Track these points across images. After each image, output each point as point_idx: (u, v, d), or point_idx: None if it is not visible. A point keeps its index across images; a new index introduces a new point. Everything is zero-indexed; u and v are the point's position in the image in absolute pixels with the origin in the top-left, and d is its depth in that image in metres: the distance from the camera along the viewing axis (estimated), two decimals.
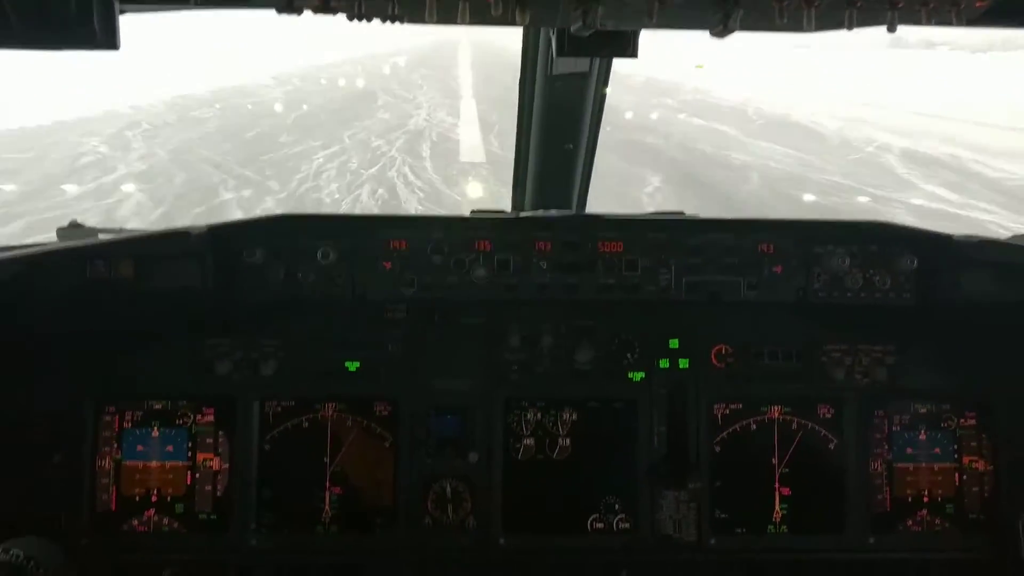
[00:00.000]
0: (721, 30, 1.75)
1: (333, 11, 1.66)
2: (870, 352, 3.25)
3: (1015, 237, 3.13)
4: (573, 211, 3.32)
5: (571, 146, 3.13)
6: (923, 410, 3.27)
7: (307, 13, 1.69)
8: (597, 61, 3.01)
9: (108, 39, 1.69)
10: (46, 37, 1.66)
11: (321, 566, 3.08)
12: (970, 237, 2.92)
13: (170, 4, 1.93)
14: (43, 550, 2.50)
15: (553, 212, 3.14)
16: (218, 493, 3.13)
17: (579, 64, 2.96)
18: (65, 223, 3.26)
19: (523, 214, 3.23)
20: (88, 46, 1.68)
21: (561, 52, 2.06)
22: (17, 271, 2.70)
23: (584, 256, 3.02)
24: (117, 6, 1.69)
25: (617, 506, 3.17)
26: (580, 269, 3.03)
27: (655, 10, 1.65)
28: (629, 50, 2.08)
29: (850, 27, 1.81)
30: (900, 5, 1.73)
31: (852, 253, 3.03)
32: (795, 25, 1.76)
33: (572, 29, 1.73)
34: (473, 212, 3.11)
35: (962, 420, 3.27)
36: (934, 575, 3.09)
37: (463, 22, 1.67)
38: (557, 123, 3.13)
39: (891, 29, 1.83)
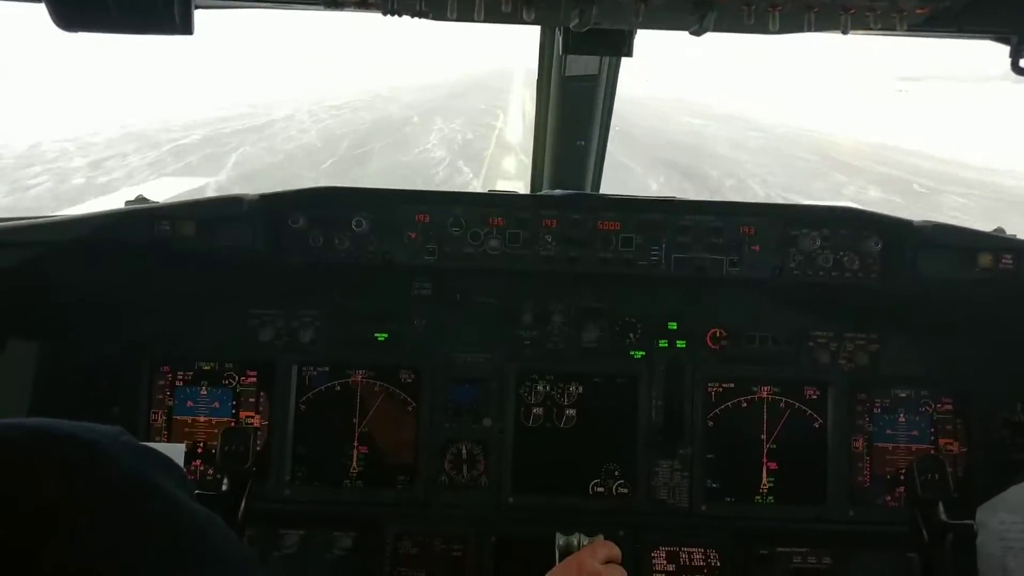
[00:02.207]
0: (697, 29, 2.07)
1: (370, 8, 2.00)
2: (854, 339, 3.52)
3: (995, 230, 3.39)
4: (589, 192, 3.63)
5: (583, 142, 3.45)
6: (903, 395, 3.53)
7: (348, 10, 2.05)
8: (606, 65, 3.34)
9: (184, 26, 2.05)
10: (136, 23, 2.03)
11: (347, 516, 3.40)
12: (927, 222, 3.21)
13: (236, 1, 2.31)
14: None
15: (558, 192, 3.45)
16: (258, 447, 3.46)
17: (589, 66, 3.30)
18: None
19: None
20: (169, 31, 2.04)
21: (566, 49, 2.39)
22: (91, 230, 3.09)
23: (584, 233, 3.34)
24: (193, 1, 2.05)
25: (617, 472, 3.46)
26: (581, 244, 3.34)
27: (641, 11, 1.97)
28: (625, 50, 2.41)
29: (809, 30, 2.12)
30: (852, 11, 2.03)
31: (824, 236, 3.31)
32: (761, 27, 2.06)
33: (571, 26, 2.04)
34: (490, 191, 3.44)
35: (939, 406, 3.53)
36: (907, 546, 3.33)
37: (479, 19, 2.00)
38: (571, 119, 3.45)
39: (844, 32, 2.13)
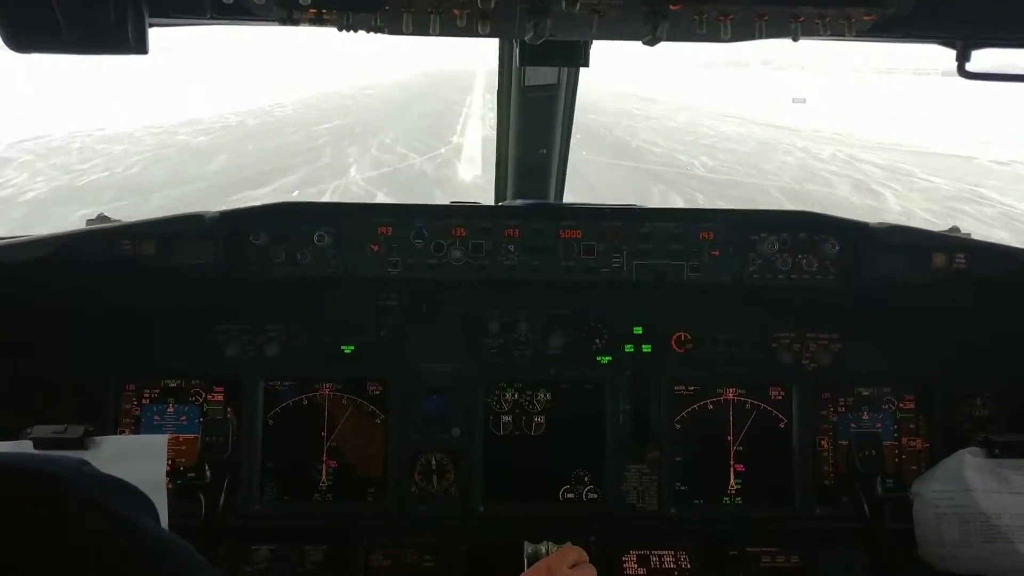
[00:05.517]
0: (651, 39, 2.10)
1: (326, 23, 2.01)
2: (817, 340, 3.58)
3: (950, 230, 3.47)
4: (551, 202, 3.67)
5: (544, 151, 3.48)
6: (866, 393, 3.58)
7: (304, 25, 2.05)
8: (566, 74, 3.38)
9: (139, 46, 2.04)
10: (89, 43, 2.02)
11: (318, 530, 3.38)
12: (883, 224, 3.28)
13: (190, 19, 2.30)
14: None
15: (519, 202, 3.48)
16: (235, 437, 3.41)
17: (548, 76, 3.34)
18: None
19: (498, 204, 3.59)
20: (124, 51, 2.04)
21: (523, 61, 2.41)
22: (52, 251, 3.07)
23: (547, 241, 3.37)
24: (147, 19, 2.05)
25: (586, 478, 3.48)
26: (543, 253, 3.38)
27: (595, 22, 2.00)
28: (581, 60, 2.44)
29: (760, 37, 2.15)
30: (801, 19, 2.07)
31: (782, 239, 3.37)
32: (713, 36, 2.10)
33: (527, 39, 2.06)
34: (452, 203, 3.46)
35: (901, 403, 3.59)
36: (873, 542, 3.38)
37: (435, 33, 2.01)
38: (532, 129, 3.48)
39: (795, 39, 2.17)
